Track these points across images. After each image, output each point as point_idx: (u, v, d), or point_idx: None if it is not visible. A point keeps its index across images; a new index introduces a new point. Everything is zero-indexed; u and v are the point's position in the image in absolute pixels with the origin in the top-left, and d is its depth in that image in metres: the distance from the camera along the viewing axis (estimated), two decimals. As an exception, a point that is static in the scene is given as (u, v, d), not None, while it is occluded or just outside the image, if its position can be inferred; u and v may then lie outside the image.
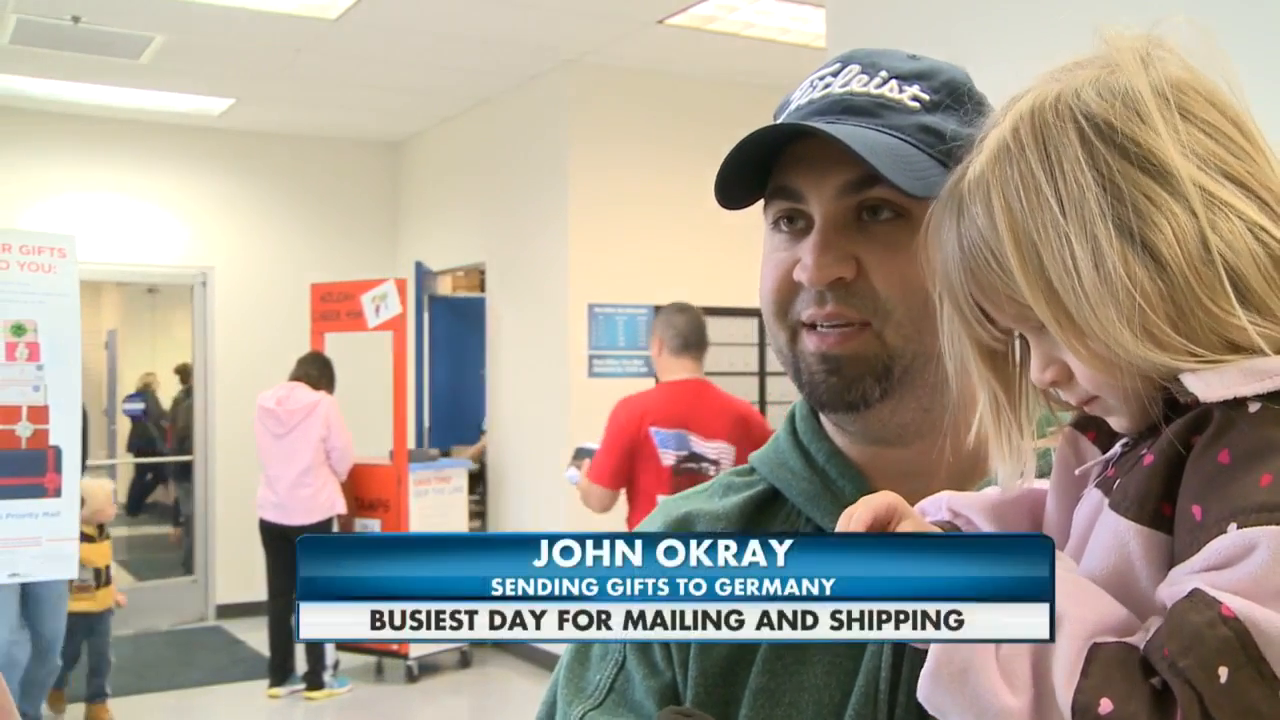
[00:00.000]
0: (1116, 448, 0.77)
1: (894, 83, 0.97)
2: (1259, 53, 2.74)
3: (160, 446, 10.25)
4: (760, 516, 1.04)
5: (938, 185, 0.91)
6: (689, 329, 4.10)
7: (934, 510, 0.85)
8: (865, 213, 0.94)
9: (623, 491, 4.13)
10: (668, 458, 3.99)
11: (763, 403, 7.11)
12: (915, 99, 0.96)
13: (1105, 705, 0.62)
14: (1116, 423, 0.76)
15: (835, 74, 0.99)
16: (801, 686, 0.94)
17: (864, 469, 1.01)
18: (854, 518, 0.76)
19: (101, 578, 5.75)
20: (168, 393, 10.61)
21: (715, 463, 3.98)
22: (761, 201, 1.01)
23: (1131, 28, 0.76)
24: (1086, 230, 0.69)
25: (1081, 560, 0.74)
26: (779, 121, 1.00)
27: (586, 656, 1.03)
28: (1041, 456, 0.84)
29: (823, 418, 1.04)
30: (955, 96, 0.97)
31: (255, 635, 7.48)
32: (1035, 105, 0.74)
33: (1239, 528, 0.63)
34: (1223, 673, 0.60)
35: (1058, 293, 0.70)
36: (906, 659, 0.90)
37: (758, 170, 0.98)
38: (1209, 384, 0.68)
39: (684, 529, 1.04)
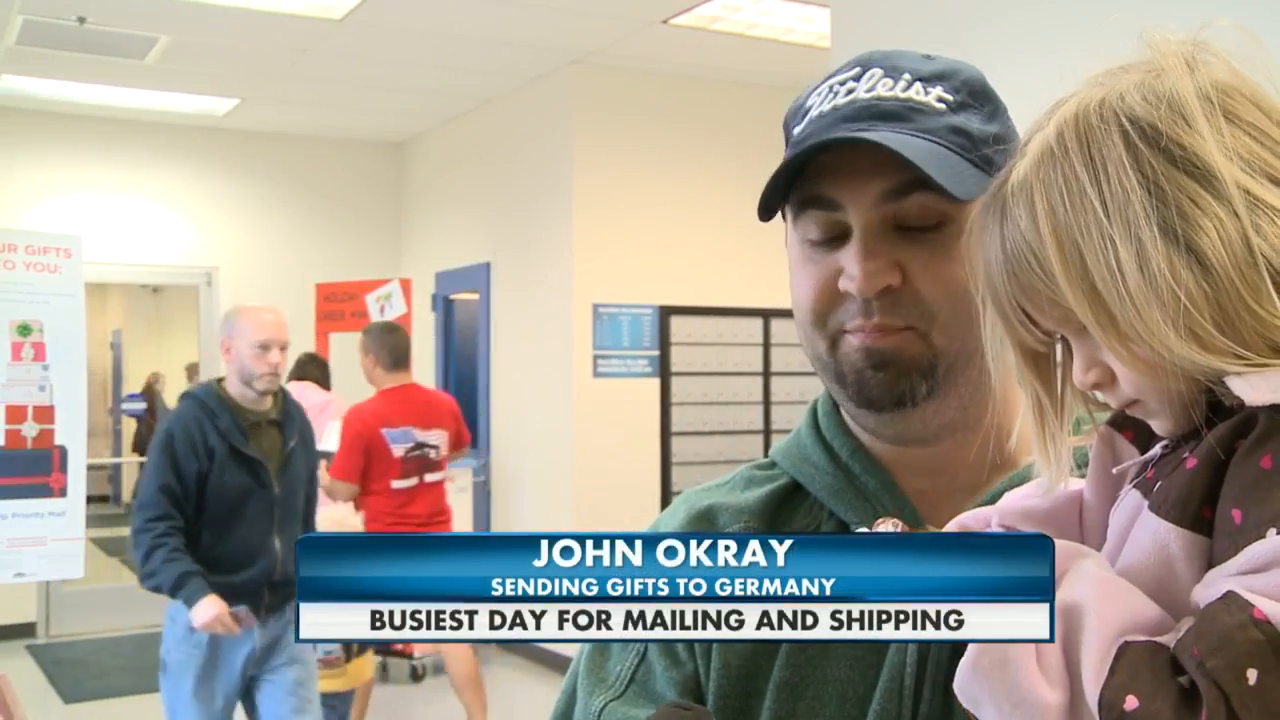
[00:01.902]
0: (1156, 449, 0.77)
1: (918, 85, 0.96)
2: None
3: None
4: (782, 509, 1.05)
5: (975, 187, 0.91)
6: (398, 347, 5.13)
7: (974, 524, 0.85)
8: (908, 219, 0.94)
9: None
10: (398, 450, 4.99)
11: (767, 402, 7.12)
12: (940, 100, 0.96)
13: (1131, 702, 0.62)
14: (1158, 425, 0.76)
15: (857, 78, 0.97)
16: (825, 680, 0.94)
17: (888, 465, 1.01)
18: None
19: (352, 646, 4.57)
20: (174, 392, 10.63)
21: (435, 447, 5.09)
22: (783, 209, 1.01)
23: (1176, 32, 0.76)
24: (1131, 233, 0.69)
25: (1119, 561, 0.75)
26: (799, 129, 0.99)
27: (608, 647, 1.03)
28: (1074, 453, 0.84)
29: (844, 414, 1.04)
30: (974, 95, 0.98)
31: (260, 635, 7.49)
32: (1080, 109, 0.74)
33: (1277, 533, 0.64)
34: (1251, 675, 0.60)
35: (1101, 295, 0.70)
36: (932, 654, 0.91)
37: (785, 179, 0.97)
38: (1255, 387, 0.68)
39: (707, 521, 1.05)
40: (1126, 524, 0.75)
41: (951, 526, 0.85)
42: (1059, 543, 0.72)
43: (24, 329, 2.75)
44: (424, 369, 8.07)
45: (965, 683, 0.70)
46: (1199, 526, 0.70)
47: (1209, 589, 0.65)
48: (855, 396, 0.98)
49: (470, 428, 7.91)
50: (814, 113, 0.98)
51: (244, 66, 6.94)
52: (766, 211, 0.98)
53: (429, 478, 5.07)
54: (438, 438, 5.10)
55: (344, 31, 6.18)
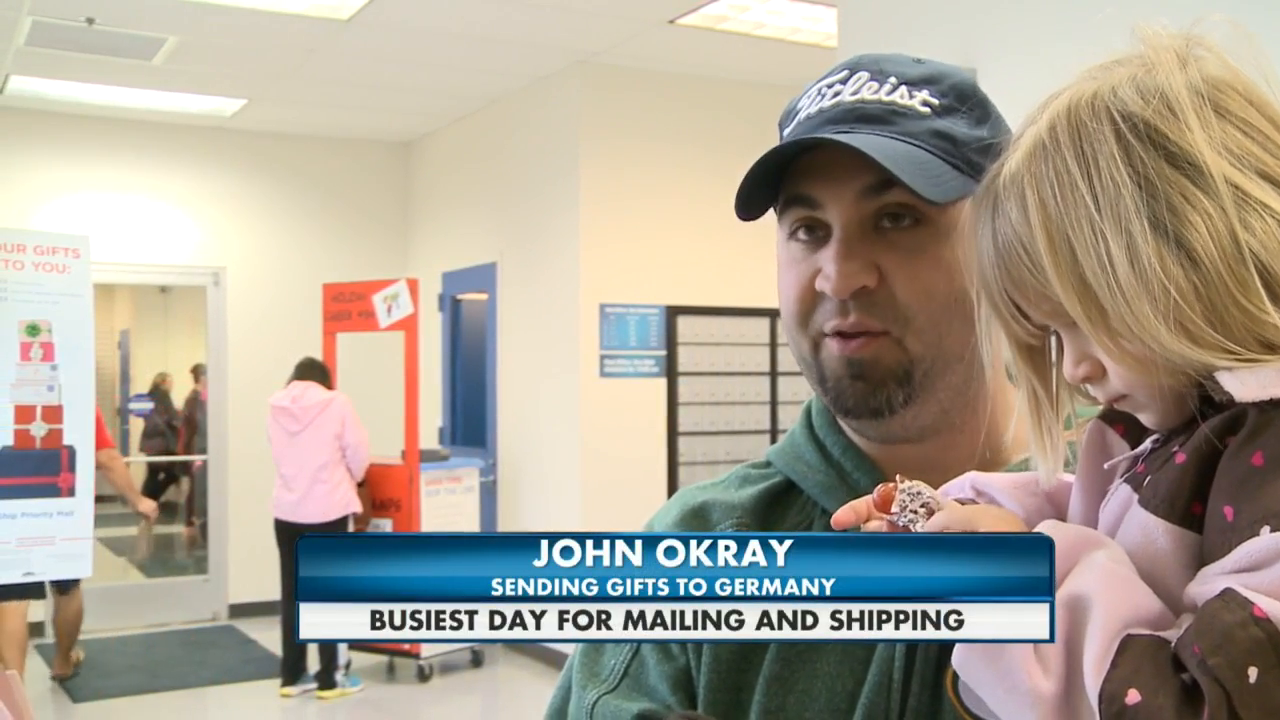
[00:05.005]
0: (1146, 444, 0.77)
1: (904, 89, 0.97)
2: None
3: (172, 446, 10.30)
4: (776, 507, 1.06)
5: (954, 190, 0.92)
6: None
7: (957, 490, 0.86)
8: (886, 219, 0.95)
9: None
10: None
11: (774, 402, 7.11)
12: (925, 104, 0.97)
13: (1133, 696, 0.62)
14: (1147, 419, 0.76)
15: (844, 81, 0.99)
16: (814, 674, 0.95)
17: (879, 462, 1.02)
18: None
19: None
20: (181, 393, 10.65)
21: None
22: (774, 208, 1.02)
23: (1169, 27, 0.76)
24: (1121, 226, 0.69)
25: None
26: (788, 131, 1.01)
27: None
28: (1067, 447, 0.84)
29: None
30: (963, 100, 0.98)
31: (267, 634, 7.51)
32: (1072, 103, 0.74)
33: (1271, 531, 0.64)
34: (1252, 673, 0.60)
35: (1091, 289, 0.70)
36: (920, 650, 0.92)
37: (771, 180, 0.99)
38: (1245, 383, 0.68)
39: (700, 517, 1.06)
40: (1116, 518, 0.75)
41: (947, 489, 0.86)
42: (1074, 529, 0.72)
43: (32, 329, 2.76)
44: (431, 369, 8.08)
45: (963, 660, 0.70)
46: (1188, 522, 0.70)
47: (1205, 586, 0.66)
48: (834, 403, 1.00)
49: (477, 427, 7.96)
50: (802, 115, 1.00)
51: (251, 67, 6.95)
52: (745, 209, 1.00)
53: None
54: None
55: (351, 32, 6.19)
